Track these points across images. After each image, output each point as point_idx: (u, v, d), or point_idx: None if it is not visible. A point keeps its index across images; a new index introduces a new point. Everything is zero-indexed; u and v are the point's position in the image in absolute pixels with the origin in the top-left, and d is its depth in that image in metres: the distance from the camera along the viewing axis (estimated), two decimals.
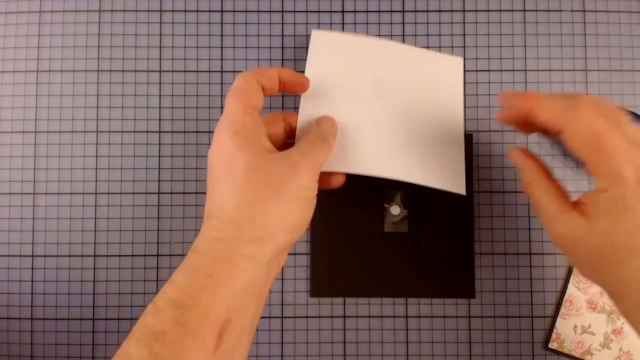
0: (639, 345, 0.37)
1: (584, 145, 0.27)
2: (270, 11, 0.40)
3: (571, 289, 0.38)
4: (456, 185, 0.34)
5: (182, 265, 0.27)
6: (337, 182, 0.33)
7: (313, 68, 0.34)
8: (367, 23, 0.40)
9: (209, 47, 0.40)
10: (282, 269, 0.39)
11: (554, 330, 0.38)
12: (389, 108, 0.35)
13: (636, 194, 0.26)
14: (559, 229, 0.28)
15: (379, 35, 0.40)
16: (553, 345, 0.38)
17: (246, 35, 0.40)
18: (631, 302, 0.27)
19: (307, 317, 0.39)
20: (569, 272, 0.38)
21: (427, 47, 0.40)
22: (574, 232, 0.27)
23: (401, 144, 0.34)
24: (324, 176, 0.32)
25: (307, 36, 0.40)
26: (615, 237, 0.26)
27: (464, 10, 0.40)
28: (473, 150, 0.39)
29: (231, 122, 0.29)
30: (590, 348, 0.37)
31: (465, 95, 0.39)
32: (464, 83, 0.38)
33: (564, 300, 0.38)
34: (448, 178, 0.34)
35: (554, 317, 0.38)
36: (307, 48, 0.40)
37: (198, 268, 0.26)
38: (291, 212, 0.28)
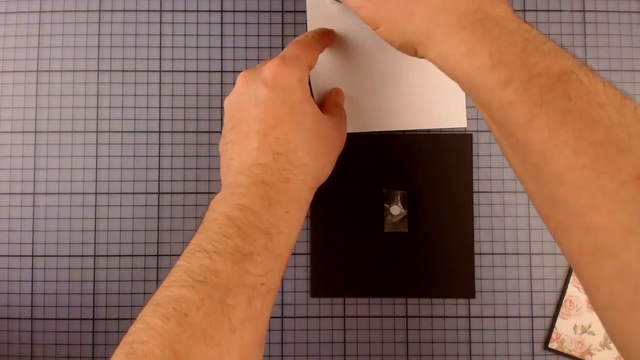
0: None
1: None
2: (270, 11, 0.40)
3: (571, 289, 0.38)
4: (458, 120, 0.38)
5: (249, 192, 0.27)
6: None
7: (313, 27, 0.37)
8: None
9: (209, 47, 0.40)
10: None
11: (554, 330, 0.38)
12: (387, 58, 0.37)
13: None
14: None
15: None
16: (553, 345, 0.38)
17: (246, 35, 0.40)
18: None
19: (307, 317, 0.39)
20: (569, 272, 0.38)
21: None
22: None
23: (401, 95, 0.37)
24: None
25: None
26: None
27: None
28: (473, 150, 0.39)
29: (296, 65, 0.30)
30: (590, 348, 0.37)
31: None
32: None
33: (564, 300, 0.38)
34: (450, 116, 0.38)
35: (554, 317, 0.38)
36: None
37: (273, 202, 0.27)
38: (329, 172, 0.32)
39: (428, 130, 0.39)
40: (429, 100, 0.37)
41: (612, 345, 0.38)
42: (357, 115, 0.37)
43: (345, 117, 0.35)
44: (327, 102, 0.36)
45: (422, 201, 0.39)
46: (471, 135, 0.39)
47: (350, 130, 0.36)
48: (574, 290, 0.38)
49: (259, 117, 0.29)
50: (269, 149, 0.28)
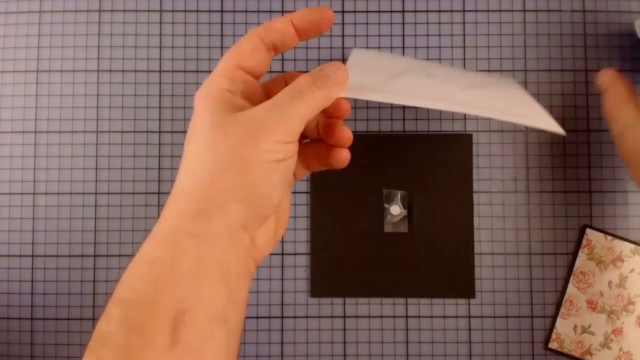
0: (639, 345, 0.37)
1: None
2: (270, 11, 0.40)
3: (571, 289, 0.38)
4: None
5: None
6: (340, 159, 0.28)
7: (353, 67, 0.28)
8: (367, 23, 0.40)
9: (209, 47, 0.40)
10: (282, 268, 0.39)
11: (554, 330, 0.38)
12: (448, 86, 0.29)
13: None
14: (628, 142, 0.31)
15: (379, 36, 0.40)
16: (553, 345, 0.38)
17: None
18: None
19: (307, 317, 0.39)
20: (569, 272, 0.38)
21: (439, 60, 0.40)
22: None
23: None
24: (323, 152, 0.28)
25: None
26: None
27: (464, 10, 0.40)
28: (473, 151, 0.39)
29: (206, 83, 0.25)
30: (590, 348, 0.38)
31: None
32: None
33: (564, 300, 0.38)
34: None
35: (554, 317, 0.38)
36: (306, 48, 0.40)
37: (140, 256, 0.23)
38: (245, 179, 0.23)
39: (428, 130, 0.39)
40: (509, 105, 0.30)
41: (612, 345, 0.38)
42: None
43: (304, 89, 0.24)
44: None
45: (422, 201, 0.39)
46: (471, 135, 0.39)
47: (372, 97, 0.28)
48: (574, 290, 0.38)
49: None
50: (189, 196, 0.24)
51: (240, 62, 0.25)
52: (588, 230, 0.38)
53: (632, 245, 0.38)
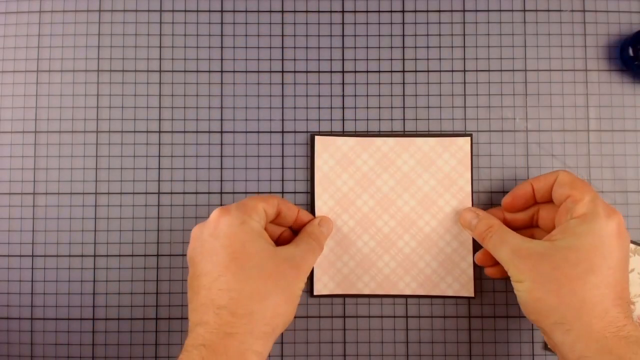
0: None
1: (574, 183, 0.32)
2: (270, 11, 0.40)
3: None
4: (465, 289, 0.38)
5: (189, 357, 0.27)
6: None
7: (320, 169, 0.38)
8: (367, 23, 0.40)
9: (209, 47, 0.40)
10: None
11: None
12: (397, 215, 0.38)
13: (604, 222, 0.29)
14: (524, 249, 0.30)
15: (379, 36, 0.40)
16: None
17: (246, 35, 0.40)
18: (580, 327, 0.28)
19: (307, 317, 0.39)
20: None
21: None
22: (538, 250, 0.30)
23: (411, 260, 0.38)
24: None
25: (307, 36, 0.40)
26: (579, 253, 0.29)
27: (464, 10, 0.40)
28: (473, 151, 0.39)
29: (240, 209, 0.31)
30: None
31: (472, 183, 0.39)
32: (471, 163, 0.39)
33: None
34: (458, 285, 0.38)
35: None
36: (306, 48, 0.40)
37: None
38: (291, 309, 0.31)
39: (428, 130, 0.39)
40: (437, 269, 0.38)
41: None
42: (359, 278, 0.38)
43: (317, 248, 0.34)
44: (302, 231, 0.36)
45: (421, 201, 0.39)
46: (471, 135, 0.39)
47: (348, 292, 0.38)
48: None
49: (204, 270, 0.30)
50: (211, 304, 0.29)
51: (265, 205, 0.32)
52: None
53: (632, 245, 0.38)
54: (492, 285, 0.39)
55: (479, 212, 0.36)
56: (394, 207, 0.38)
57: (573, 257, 0.29)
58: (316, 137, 0.39)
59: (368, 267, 0.38)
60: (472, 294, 0.38)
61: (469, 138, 0.39)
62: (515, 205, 0.35)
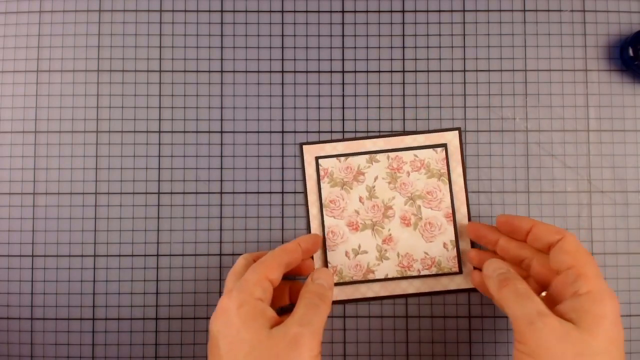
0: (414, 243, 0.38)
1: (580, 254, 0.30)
2: (270, 11, 0.40)
3: (327, 220, 0.35)
4: (451, 267, 0.38)
5: None
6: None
7: (311, 178, 0.39)
8: (367, 23, 0.40)
9: (209, 47, 0.40)
10: None
11: (329, 266, 0.37)
12: (394, 215, 0.38)
13: (613, 304, 0.28)
14: (545, 322, 0.28)
15: (379, 36, 0.40)
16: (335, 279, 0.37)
17: (246, 35, 0.40)
18: None
19: None
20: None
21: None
22: (558, 330, 0.28)
23: (412, 258, 0.38)
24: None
25: (307, 36, 0.40)
26: (598, 341, 0.27)
27: (464, 10, 0.40)
28: (473, 150, 0.39)
29: (240, 291, 0.30)
30: (369, 266, 0.38)
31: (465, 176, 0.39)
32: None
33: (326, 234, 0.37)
34: (448, 267, 0.38)
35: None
36: (306, 48, 0.40)
37: None
38: None
39: (428, 130, 0.39)
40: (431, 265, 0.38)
41: (388, 255, 0.38)
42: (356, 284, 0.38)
43: (319, 304, 0.31)
44: (300, 294, 0.33)
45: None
46: (459, 128, 0.39)
47: (344, 297, 0.38)
48: (331, 221, 0.37)
49: None
50: None
51: (268, 274, 0.32)
52: None
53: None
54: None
55: (488, 255, 0.35)
56: (391, 207, 0.38)
57: (599, 346, 0.27)
58: (304, 147, 0.39)
59: (369, 270, 0.38)
60: (457, 270, 0.38)
61: (456, 132, 0.39)
62: (507, 231, 0.35)
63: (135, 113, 0.40)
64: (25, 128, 0.39)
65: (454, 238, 0.38)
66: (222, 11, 0.40)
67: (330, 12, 0.40)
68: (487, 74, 0.40)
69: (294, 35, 0.40)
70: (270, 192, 0.39)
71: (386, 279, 0.38)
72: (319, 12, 0.40)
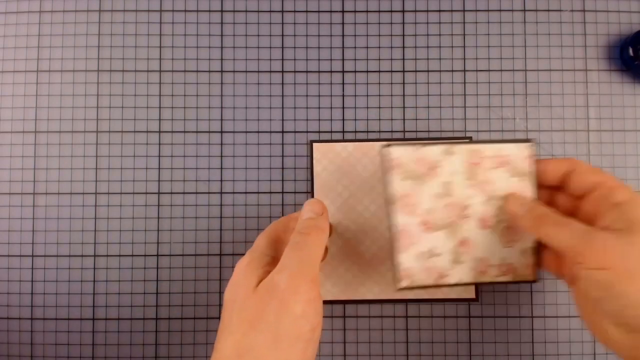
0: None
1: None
2: (270, 11, 0.40)
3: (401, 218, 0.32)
4: (467, 291, 0.37)
5: None
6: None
7: (319, 176, 0.38)
8: (367, 23, 0.40)
9: (209, 47, 0.40)
10: None
11: (400, 268, 0.32)
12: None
13: None
14: (597, 234, 0.27)
15: (379, 36, 0.40)
16: (403, 284, 0.33)
17: (246, 35, 0.40)
18: None
19: None
20: None
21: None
22: (613, 237, 0.27)
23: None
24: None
25: (307, 36, 0.40)
26: None
27: (464, 10, 0.40)
28: None
29: (253, 249, 0.30)
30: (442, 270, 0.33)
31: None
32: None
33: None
34: (460, 287, 0.37)
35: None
36: (306, 48, 0.40)
37: None
38: (288, 357, 0.26)
39: (428, 130, 0.39)
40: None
41: (462, 258, 0.33)
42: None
43: (306, 240, 0.29)
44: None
45: None
46: (471, 138, 0.39)
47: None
48: (405, 219, 0.32)
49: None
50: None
51: (280, 234, 0.32)
52: None
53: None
54: (492, 286, 0.39)
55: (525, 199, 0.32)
56: (468, 207, 0.33)
57: None
58: (314, 144, 0.39)
59: (371, 273, 0.38)
60: (473, 296, 0.38)
61: (529, 145, 0.32)
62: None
63: (135, 113, 0.40)
64: (25, 128, 0.39)
65: (532, 245, 0.33)
66: (222, 11, 0.40)
67: (330, 12, 0.40)
68: (487, 74, 0.40)
69: (294, 35, 0.40)
70: (270, 192, 0.39)
71: (459, 284, 0.33)
72: (319, 12, 0.40)
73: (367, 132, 0.39)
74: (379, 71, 0.40)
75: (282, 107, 0.40)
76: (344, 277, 0.38)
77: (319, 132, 0.39)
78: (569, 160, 0.31)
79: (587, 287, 0.27)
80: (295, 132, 0.39)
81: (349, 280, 0.38)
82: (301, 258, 0.28)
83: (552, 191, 0.33)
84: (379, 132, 0.39)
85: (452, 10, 0.40)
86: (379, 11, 0.40)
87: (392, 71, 0.40)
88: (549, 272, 0.33)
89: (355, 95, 0.40)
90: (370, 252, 0.38)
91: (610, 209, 0.29)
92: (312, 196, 0.39)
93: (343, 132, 0.39)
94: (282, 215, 0.39)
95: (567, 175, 0.31)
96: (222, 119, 0.39)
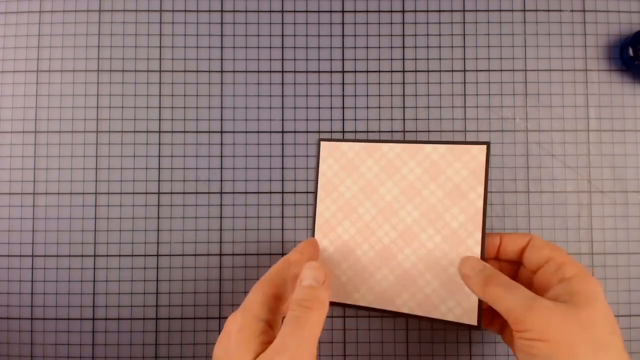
0: None
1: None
2: (270, 11, 0.40)
3: None
4: (468, 316, 0.34)
5: None
6: None
7: (324, 175, 0.38)
8: (367, 23, 0.40)
9: (209, 47, 0.40)
10: None
11: None
12: (398, 226, 0.36)
13: (597, 283, 0.29)
14: (544, 303, 0.27)
15: (379, 36, 0.40)
16: None
17: (246, 35, 0.40)
18: None
19: None
20: None
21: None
22: (560, 308, 0.27)
23: (411, 276, 0.36)
24: None
25: (307, 36, 0.40)
26: (599, 314, 0.27)
27: (464, 10, 0.40)
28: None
29: (245, 310, 0.29)
30: None
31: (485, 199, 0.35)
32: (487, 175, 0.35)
33: None
34: (460, 310, 0.35)
35: None
36: (306, 48, 0.40)
37: None
38: None
39: (428, 130, 0.39)
40: (439, 290, 0.35)
41: None
42: (356, 286, 0.36)
43: (306, 316, 0.28)
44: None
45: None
46: (488, 143, 0.35)
47: (342, 300, 0.37)
48: None
49: None
50: None
51: (274, 291, 0.30)
52: None
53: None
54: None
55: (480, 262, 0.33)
56: (397, 217, 0.36)
57: (599, 318, 0.27)
58: (322, 143, 0.38)
59: (366, 278, 0.37)
60: (475, 323, 0.34)
61: (484, 147, 0.35)
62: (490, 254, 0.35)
63: (135, 113, 0.40)
64: (25, 128, 0.39)
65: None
66: (222, 11, 0.40)
67: (330, 12, 0.40)
68: (487, 74, 0.40)
69: (294, 35, 0.40)
70: (270, 192, 0.39)
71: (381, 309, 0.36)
72: (319, 12, 0.40)
73: (367, 132, 0.39)
74: (379, 71, 0.40)
75: (282, 107, 0.40)
76: (340, 280, 0.37)
77: (319, 132, 0.39)
78: (526, 235, 0.33)
79: (526, 357, 0.27)
80: (295, 132, 0.39)
81: (343, 283, 0.37)
82: (302, 338, 0.27)
83: (514, 265, 0.35)
84: (379, 132, 0.39)
85: (452, 10, 0.40)
86: (379, 11, 0.40)
87: (392, 71, 0.40)
88: (491, 330, 0.35)
89: (355, 95, 0.40)
90: (367, 256, 0.37)
91: (559, 283, 0.30)
92: (315, 195, 0.39)
93: (343, 132, 0.39)
94: (282, 215, 0.39)
95: (524, 250, 0.33)
96: (222, 119, 0.39)
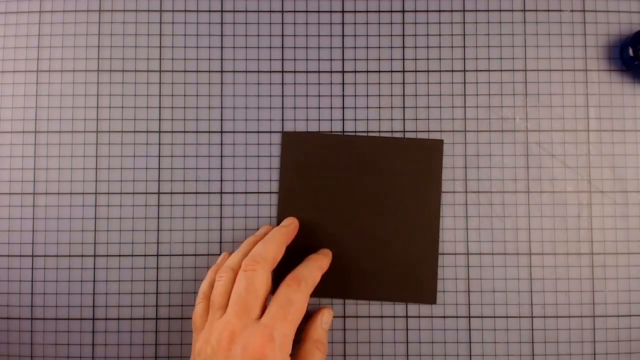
0: None
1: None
2: (270, 11, 0.40)
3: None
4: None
5: None
6: None
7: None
8: (367, 23, 0.40)
9: (209, 47, 0.40)
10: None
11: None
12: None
13: None
14: None
15: (379, 36, 0.40)
16: None
17: (246, 35, 0.40)
18: None
19: None
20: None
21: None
22: None
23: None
24: None
25: (307, 36, 0.40)
26: None
27: (464, 10, 0.40)
28: (473, 150, 0.39)
29: (258, 270, 0.33)
30: None
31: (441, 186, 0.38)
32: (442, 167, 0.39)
33: None
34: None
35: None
36: (306, 48, 0.40)
37: None
38: None
39: (428, 130, 0.39)
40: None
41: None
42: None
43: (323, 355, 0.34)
44: (307, 338, 0.35)
45: (388, 203, 0.38)
46: (442, 140, 0.39)
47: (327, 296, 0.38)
48: None
49: None
50: None
51: (275, 253, 0.34)
52: None
53: None
54: (492, 285, 0.39)
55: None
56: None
57: None
58: (284, 134, 0.39)
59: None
60: (434, 302, 0.38)
61: (440, 142, 0.38)
62: None
63: (135, 113, 0.40)
64: (25, 128, 0.39)
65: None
66: (222, 11, 0.40)
67: (330, 12, 0.40)
68: (487, 74, 0.40)
69: (294, 35, 0.40)
70: (270, 192, 0.39)
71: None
72: (319, 12, 0.40)
73: (367, 132, 0.39)
74: (379, 71, 0.40)
75: (282, 107, 0.40)
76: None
77: (319, 132, 0.39)
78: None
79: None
80: (295, 132, 0.39)
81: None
82: (298, 309, 0.32)
83: None
84: (379, 132, 0.39)
85: (452, 11, 0.40)
86: (379, 11, 0.40)
87: (392, 71, 0.40)
88: None
89: (355, 95, 0.40)
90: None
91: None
92: (279, 193, 0.39)
93: (343, 132, 0.39)
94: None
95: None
96: (222, 119, 0.39)
